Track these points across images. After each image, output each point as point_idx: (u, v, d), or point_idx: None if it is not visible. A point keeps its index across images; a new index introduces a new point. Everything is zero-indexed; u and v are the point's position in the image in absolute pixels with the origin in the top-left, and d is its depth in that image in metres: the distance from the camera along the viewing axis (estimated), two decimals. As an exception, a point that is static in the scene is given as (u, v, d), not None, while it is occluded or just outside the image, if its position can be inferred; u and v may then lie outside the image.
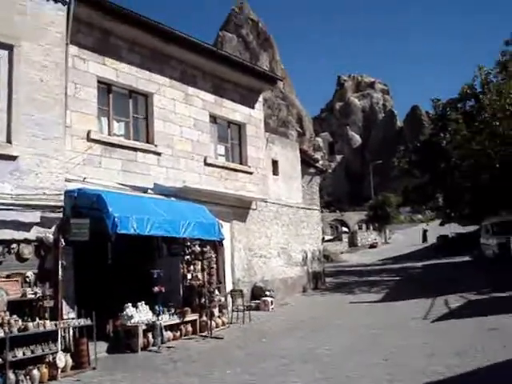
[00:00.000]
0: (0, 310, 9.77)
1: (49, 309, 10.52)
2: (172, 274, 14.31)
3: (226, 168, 17.93)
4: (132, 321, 12.28)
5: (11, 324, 9.56)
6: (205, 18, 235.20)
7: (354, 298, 20.38)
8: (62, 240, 10.91)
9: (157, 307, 12.96)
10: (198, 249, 14.58)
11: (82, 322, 10.73)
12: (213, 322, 14.12)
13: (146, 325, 12.38)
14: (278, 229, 21.11)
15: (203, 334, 13.84)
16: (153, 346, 12.28)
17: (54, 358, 9.86)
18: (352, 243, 62.22)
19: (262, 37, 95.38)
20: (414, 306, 16.62)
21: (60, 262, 10.83)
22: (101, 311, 11.09)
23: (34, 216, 10.74)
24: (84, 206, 11.63)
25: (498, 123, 24.55)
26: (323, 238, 35.15)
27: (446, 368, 8.70)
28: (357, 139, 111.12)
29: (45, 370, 9.62)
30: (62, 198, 11.31)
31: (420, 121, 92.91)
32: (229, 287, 17.29)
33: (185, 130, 16.26)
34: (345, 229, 68.58)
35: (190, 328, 13.83)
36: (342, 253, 54.36)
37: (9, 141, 10.62)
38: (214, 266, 15.29)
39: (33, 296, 10.36)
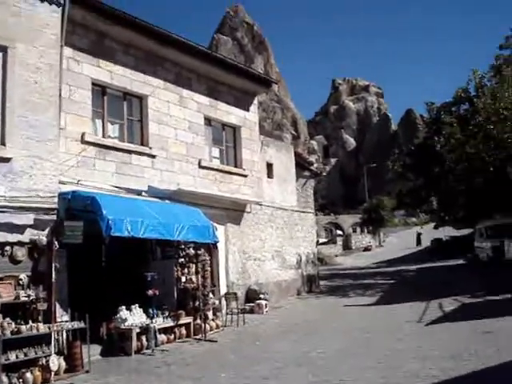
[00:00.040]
0: (-7, 312, 9.74)
1: (42, 311, 10.44)
2: (166, 277, 14.28)
3: (221, 171, 17.91)
4: (126, 324, 12.23)
5: (4, 327, 9.51)
6: (200, 20, 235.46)
7: (349, 301, 20.37)
8: (56, 242, 10.85)
9: (151, 310, 12.93)
10: (192, 251, 14.54)
11: (76, 324, 10.68)
12: (207, 325, 14.09)
13: (140, 328, 12.34)
14: (272, 232, 21.10)
15: (197, 337, 13.80)
16: (146, 349, 12.23)
17: (47, 361, 9.81)
18: (346, 246, 62.31)
19: (256, 40, 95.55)
20: (409, 309, 16.63)
21: (53, 265, 10.77)
22: (94, 314, 11.06)
23: (27, 218, 10.70)
24: (78, 208, 11.58)
25: (492, 127, 24.62)
26: (317, 241, 35.16)
27: (440, 371, 8.69)
28: (351, 142, 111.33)
29: (38, 373, 9.56)
30: (56, 200, 11.26)
31: (414, 124, 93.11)
32: (223, 290, 17.27)
33: (179, 133, 16.24)
34: (339, 232, 68.61)
35: (184, 331, 13.79)
36: (336, 256, 54.43)
37: (3, 143, 10.58)
38: (209, 268, 15.26)
39: (26, 299, 10.29)
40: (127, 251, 13.44)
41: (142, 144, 15.07)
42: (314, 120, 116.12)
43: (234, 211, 18.33)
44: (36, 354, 9.82)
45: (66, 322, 10.79)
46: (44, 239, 10.82)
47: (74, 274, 11.79)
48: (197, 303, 14.26)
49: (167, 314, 13.48)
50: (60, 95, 11.88)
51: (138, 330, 12.25)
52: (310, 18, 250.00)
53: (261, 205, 20.03)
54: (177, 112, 16.28)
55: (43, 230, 10.96)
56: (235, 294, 16.58)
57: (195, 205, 15.12)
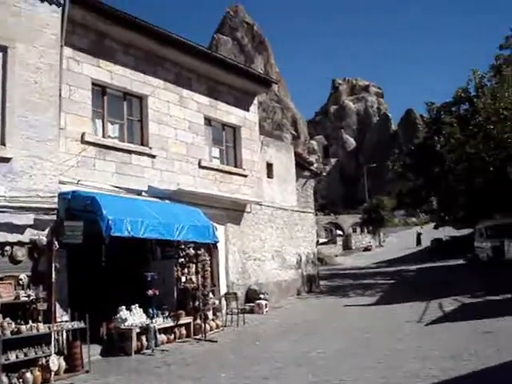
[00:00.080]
0: (-7, 312, 9.74)
1: (42, 311, 10.44)
2: (166, 277, 14.28)
3: (221, 171, 17.91)
4: (126, 324, 12.23)
5: (4, 327, 9.51)
6: (200, 20, 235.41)
7: (349, 301, 20.37)
8: (56, 242, 10.85)
9: (151, 310, 12.92)
10: (192, 251, 14.53)
11: (76, 324, 10.68)
12: (207, 325, 14.09)
13: (140, 328, 12.34)
14: (272, 232, 21.10)
15: (197, 337, 13.80)
16: (147, 349, 12.23)
17: (47, 361, 9.81)
18: (346, 246, 62.32)
19: (256, 40, 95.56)
20: (409, 309, 16.63)
21: (53, 265, 10.77)
22: (94, 314, 11.06)
23: (27, 218, 10.70)
24: (78, 208, 11.58)
25: (492, 127, 24.62)
26: (317, 241, 35.16)
27: (440, 371, 8.69)
28: (351, 142, 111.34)
29: (38, 373, 9.56)
30: (56, 200, 11.26)
31: (414, 124, 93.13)
32: (223, 290, 17.26)
33: (179, 133, 16.24)
34: (339, 232, 68.61)
35: (183, 331, 13.78)
36: (336, 256, 54.43)
37: (3, 143, 10.58)
38: (209, 268, 15.25)
39: (26, 299, 10.29)
40: (127, 251, 13.44)
41: (142, 144, 15.07)
42: (314, 120, 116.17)
43: (233, 211, 18.33)
44: (36, 353, 9.82)
45: (66, 321, 10.79)
46: (44, 239, 10.82)
47: (74, 274, 11.78)
48: (197, 303, 14.25)
49: (167, 313, 13.48)
50: (60, 95, 11.87)
51: (138, 330, 12.25)
52: (310, 17, 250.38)
53: (261, 205, 20.03)
54: (177, 112, 16.28)
55: (43, 230, 10.95)
56: (235, 293, 16.58)
57: (195, 205, 15.12)
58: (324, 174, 78.41)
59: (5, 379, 9.04)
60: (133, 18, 14.35)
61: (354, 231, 68.51)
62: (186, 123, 16.55)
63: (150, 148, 15.07)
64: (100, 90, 14.14)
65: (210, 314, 14.71)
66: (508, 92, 24.35)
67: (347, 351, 11.14)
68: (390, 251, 55.48)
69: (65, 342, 10.68)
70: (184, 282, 14.46)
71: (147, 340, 12.31)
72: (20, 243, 10.57)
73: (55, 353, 10.19)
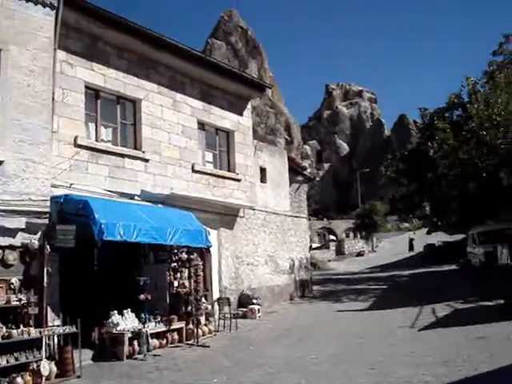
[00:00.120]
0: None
1: (33, 316, 10.37)
2: (158, 282, 14.22)
3: (214, 175, 17.88)
4: (118, 328, 12.17)
5: (-5, 331, 9.46)
6: (194, 25, 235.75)
7: (342, 307, 20.36)
8: (48, 246, 10.79)
9: (143, 315, 12.85)
10: (184, 256, 14.48)
11: (67, 329, 10.60)
12: (199, 330, 14.05)
13: (132, 332, 12.28)
14: (265, 236, 21.07)
15: (189, 342, 13.75)
16: (138, 354, 12.17)
17: (38, 366, 9.74)
18: (339, 251, 62.31)
19: (250, 44, 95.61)
20: (401, 315, 16.63)
21: (45, 269, 10.70)
22: (86, 318, 11.00)
23: (19, 222, 10.63)
24: (70, 212, 11.53)
25: (485, 133, 24.67)
26: (311, 246, 35.15)
27: (433, 377, 8.69)
28: (344, 147, 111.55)
29: (29, 378, 9.50)
30: (48, 203, 11.19)
31: (407, 130, 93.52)
32: (216, 295, 17.22)
33: (173, 137, 16.21)
34: (332, 237, 68.62)
35: (176, 336, 13.72)
36: (329, 261, 54.43)
37: (-5, 146, 10.53)
38: (201, 273, 15.19)
39: (17, 303, 10.22)
40: (120, 255, 13.39)
41: (135, 148, 15.04)
42: (308, 125, 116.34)
43: (227, 216, 18.29)
44: (27, 358, 9.77)
45: (58, 326, 10.70)
46: (36, 243, 10.75)
47: (66, 278, 11.73)
48: (189, 308, 14.20)
49: (159, 318, 13.42)
50: (53, 98, 11.83)
51: (129, 335, 12.18)
52: (307, 18, 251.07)
53: (254, 209, 20.01)
54: (170, 116, 16.25)
55: (35, 234, 10.89)
56: (228, 298, 16.53)
57: (188, 209, 15.09)
58: (317, 178, 78.65)
59: (-5, 384, 8.98)
60: (126, 21, 14.34)
61: (347, 236, 68.57)
62: (179, 127, 16.53)
63: (143, 152, 15.03)
64: (93, 93, 14.10)
65: (202, 319, 14.67)
66: (501, 98, 24.42)
67: (340, 357, 11.12)
68: (383, 256, 55.52)
69: (56, 346, 10.61)
70: (176, 287, 14.39)
71: (139, 345, 12.24)
72: (11, 247, 10.49)
73: (46, 357, 10.13)
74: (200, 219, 14.62)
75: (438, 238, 48.62)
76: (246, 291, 18.97)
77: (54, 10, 11.82)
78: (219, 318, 15.93)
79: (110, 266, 13.62)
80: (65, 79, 12.91)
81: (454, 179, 29.64)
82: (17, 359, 9.57)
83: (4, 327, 9.72)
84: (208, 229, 14.73)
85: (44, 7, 11.63)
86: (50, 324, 10.62)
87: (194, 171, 16.87)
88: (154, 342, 12.84)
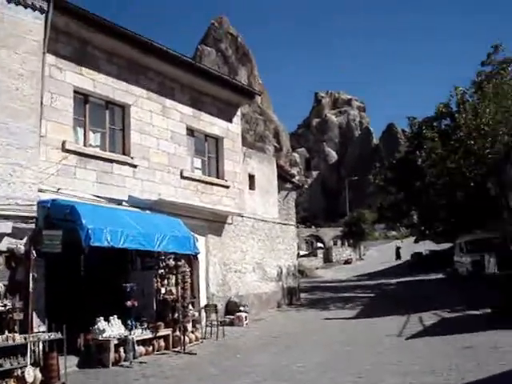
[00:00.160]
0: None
1: (18, 322, 10.27)
2: (145, 288, 14.14)
3: (203, 181, 17.84)
4: (104, 335, 12.08)
5: (-21, 337, 9.34)
6: (184, 31, 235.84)
7: (329, 314, 20.33)
8: (34, 251, 10.68)
9: (129, 321, 12.76)
10: (172, 263, 14.40)
11: (53, 335, 10.50)
12: (186, 338, 13.97)
13: (118, 339, 12.18)
14: (253, 243, 21.03)
15: (176, 349, 13.67)
16: (124, 360, 12.07)
17: (22, 373, 9.63)
18: (327, 259, 62.34)
19: (240, 51, 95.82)
20: (389, 323, 16.63)
21: (31, 274, 10.59)
22: (72, 325, 10.90)
23: (5, 226, 10.53)
24: (57, 217, 11.44)
25: (473, 142, 24.83)
26: (298, 254, 35.18)
27: (420, 386, 8.67)
28: (333, 155, 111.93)
29: (13, 385, 9.40)
30: (35, 208, 11.10)
31: (396, 138, 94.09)
32: (203, 302, 17.14)
33: (161, 143, 16.15)
34: (320, 244, 68.73)
35: (162, 343, 13.64)
36: (317, 268, 54.43)
37: (-19, 149, 10.43)
38: (189, 280, 15.12)
39: (2, 308, 10.10)
40: (107, 261, 13.29)
41: (123, 153, 14.97)
42: (297, 132, 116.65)
43: (215, 222, 18.24)
44: (11, 365, 9.66)
45: (43, 332, 10.59)
46: (22, 248, 10.64)
47: (52, 284, 11.63)
48: (176, 315, 14.13)
49: (146, 325, 13.33)
50: (41, 102, 11.76)
51: (116, 342, 12.09)
52: (297, 26, 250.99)
53: (242, 216, 19.97)
54: (159, 122, 16.20)
55: (21, 239, 10.78)
56: (215, 305, 16.46)
57: (176, 215, 15.02)
58: (306, 186, 78.81)
59: (-22, 391, 8.87)
60: (115, 25, 14.29)
61: (335, 244, 68.64)
62: (168, 133, 16.48)
63: (132, 157, 14.97)
64: (82, 98, 14.03)
65: (189, 326, 14.60)
66: (489, 108, 24.60)
67: (327, 365, 11.08)
68: (371, 264, 55.66)
69: (41, 352, 10.48)
70: (163, 294, 14.30)
71: (125, 352, 12.15)
72: (-3, 252, 10.40)
73: (31, 364, 10.01)
74: (188, 226, 14.57)
75: (426, 246, 48.78)
76: (234, 298, 18.91)
77: (44, 14, 11.77)
78: (206, 326, 15.85)
79: (97, 272, 13.53)
80: (54, 83, 12.83)
81: (441, 188, 29.77)
82: (1, 366, 9.46)
83: (-12, 333, 9.62)
84: (196, 235, 14.68)
85: (34, 11, 11.58)
86: (35, 330, 10.52)
87: (182, 177, 16.82)
88: (141, 349, 12.75)
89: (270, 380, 9.98)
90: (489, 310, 16.18)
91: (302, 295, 26.93)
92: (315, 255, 61.49)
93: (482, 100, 26.28)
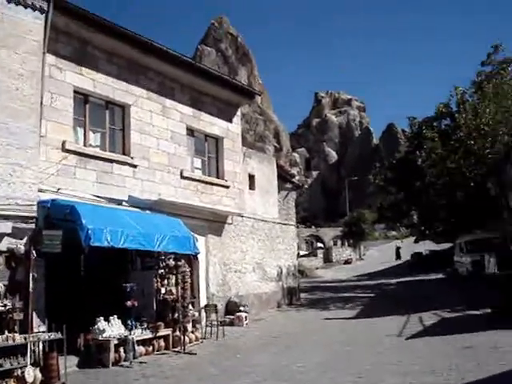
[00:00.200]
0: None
1: (18, 322, 10.26)
2: (145, 288, 14.13)
3: (203, 181, 17.83)
4: (104, 335, 12.07)
5: (-21, 337, 9.34)
6: (184, 31, 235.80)
7: (329, 314, 20.32)
8: (34, 251, 10.68)
9: (129, 321, 12.75)
10: (172, 263, 14.40)
11: (53, 335, 10.50)
12: (186, 338, 13.96)
13: (118, 339, 12.18)
14: (253, 243, 21.02)
15: (176, 349, 13.66)
16: (124, 360, 12.07)
17: (22, 373, 9.63)
18: (327, 259, 62.34)
19: (240, 51, 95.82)
20: (389, 323, 16.63)
21: (31, 274, 10.59)
22: (72, 324, 10.90)
23: (5, 226, 10.52)
24: (57, 217, 11.44)
25: (472, 142, 24.83)
26: (298, 254, 35.17)
27: (420, 386, 8.67)
28: (333, 155, 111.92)
29: (13, 385, 9.39)
30: (35, 208, 11.10)
31: (396, 138, 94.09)
32: (203, 302, 17.14)
33: (161, 143, 16.15)
34: (320, 244, 68.71)
35: (162, 343, 13.63)
36: (317, 268, 54.42)
37: (-19, 149, 10.43)
38: (189, 280, 15.12)
39: (2, 308, 10.10)
40: (107, 261, 13.29)
41: (123, 153, 14.96)
42: (297, 132, 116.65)
43: (215, 222, 18.24)
44: (11, 365, 9.65)
45: (43, 332, 10.59)
46: (22, 248, 10.64)
47: (52, 284, 11.63)
48: (176, 315, 14.12)
49: (146, 325, 13.32)
50: (41, 102, 11.76)
51: (116, 342, 12.09)
52: (298, 25, 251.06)
53: (242, 216, 19.97)
54: (159, 122, 16.20)
55: (21, 239, 10.78)
56: (215, 305, 16.45)
57: (176, 215, 15.02)
58: (306, 186, 78.81)
59: (-22, 391, 8.87)
60: (115, 25, 14.29)
61: (335, 244, 68.62)
62: (168, 133, 16.47)
63: (132, 157, 14.97)
64: (82, 98, 14.02)
65: (189, 326, 14.60)
66: (489, 108, 24.60)
67: (327, 365, 11.08)
68: (371, 264, 55.65)
69: (41, 352, 10.48)
70: (163, 294, 14.30)
71: (125, 352, 12.15)
72: (-3, 252, 10.40)
73: (31, 364, 10.01)
74: (188, 226, 14.56)
75: (426, 246, 48.77)
76: (234, 298, 18.90)
77: (44, 14, 11.77)
78: (206, 326, 15.84)
79: (97, 272, 13.52)
80: (53, 83, 12.83)
81: (441, 188, 29.76)
82: (1, 366, 9.46)
83: (-12, 333, 9.62)
84: (196, 235, 14.68)
85: (34, 11, 11.58)
86: (35, 330, 10.52)
87: (182, 177, 16.82)
88: (141, 349, 12.75)
89: (270, 380, 9.98)
90: (489, 310, 16.18)
91: (302, 295, 26.93)
92: (315, 255, 61.48)
93: (481, 100, 26.28)
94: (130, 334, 12.41)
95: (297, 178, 34.22)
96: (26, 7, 11.42)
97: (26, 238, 10.84)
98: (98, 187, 13.74)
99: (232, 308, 18.57)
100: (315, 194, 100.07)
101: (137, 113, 15.40)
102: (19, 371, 9.64)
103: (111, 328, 12.34)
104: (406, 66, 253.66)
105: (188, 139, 17.57)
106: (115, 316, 12.65)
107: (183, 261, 14.70)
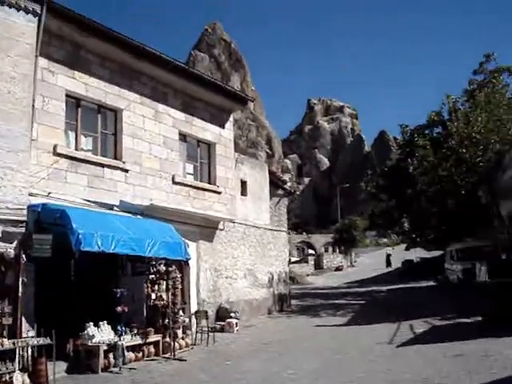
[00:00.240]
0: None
1: (7, 326, 10.18)
2: (136, 294, 14.07)
3: (194, 187, 17.79)
4: (93, 340, 11.98)
5: (-33, 342, 9.25)
6: (177, 37, 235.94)
7: (320, 321, 20.27)
8: (24, 256, 10.61)
9: (119, 327, 12.65)
10: (163, 268, 14.32)
11: (42, 340, 10.41)
12: (176, 344, 13.88)
13: (108, 345, 12.09)
14: (244, 250, 20.97)
15: (166, 355, 13.58)
16: (114, 366, 11.98)
17: (10, 378, 9.55)
18: (318, 266, 62.27)
19: (233, 57, 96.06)
20: (380, 331, 16.59)
21: (21, 279, 10.52)
22: (61, 330, 10.80)
23: (-5, 230, 10.46)
24: (47, 221, 11.37)
25: (464, 150, 24.91)
26: (289, 260, 35.10)
27: (411, 394, 8.64)
28: (325, 162, 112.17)
29: (1, 390, 9.30)
30: (25, 212, 11.04)
31: (387, 146, 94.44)
32: (193, 308, 17.07)
33: (154, 148, 16.11)
34: (311, 251, 68.72)
35: (152, 349, 13.55)
36: (308, 275, 54.34)
37: (-28, 152, 10.36)
38: (179, 286, 15.06)
39: (-9, 313, 10.04)
40: (97, 266, 13.20)
41: (115, 158, 14.91)
42: (289, 139, 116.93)
43: (206, 228, 18.18)
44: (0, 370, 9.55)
45: (32, 337, 10.50)
46: (12, 252, 10.55)
47: (42, 289, 11.55)
48: (166, 321, 14.04)
49: (136, 331, 13.24)
50: (33, 106, 11.71)
51: (105, 348, 12.00)
52: (292, 30, 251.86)
53: (234, 222, 19.92)
54: (152, 126, 16.16)
55: (11, 243, 10.70)
56: (206, 312, 16.39)
57: (168, 221, 14.95)
58: (297, 193, 78.77)
59: (-35, 396, 8.76)
60: (108, 29, 14.27)
61: (326, 251, 68.66)
62: (160, 138, 16.43)
63: (124, 162, 14.92)
64: (74, 101, 13.97)
65: (179, 332, 14.50)
66: (481, 117, 24.69)
67: (318, 372, 11.03)
68: (362, 271, 55.66)
69: (30, 358, 10.38)
70: (154, 299, 14.22)
71: (115, 358, 12.06)
72: (-14, 256, 10.31)
73: (19, 369, 9.92)
74: (179, 231, 14.50)
75: (417, 254, 48.84)
76: (224, 304, 18.84)
77: (37, 17, 11.75)
78: (196, 332, 15.77)
79: (87, 277, 13.43)
80: (46, 87, 12.78)
81: (433, 196, 29.79)
82: (-11, 371, 9.38)
83: (-24, 338, 9.52)
84: (187, 241, 14.61)
85: (26, 13, 11.55)
86: (24, 335, 10.45)
87: (174, 183, 16.77)
88: (130, 354, 12.66)
89: (260, 387, 9.93)
90: (480, 318, 16.19)
91: (293, 302, 26.87)
92: (306, 262, 61.40)
93: (473, 108, 26.39)
94: (120, 340, 12.32)
95: (289, 184, 34.16)
96: (18, 10, 11.40)
97: (15, 242, 10.77)
98: (89, 191, 13.68)
99: (223, 314, 18.50)
100: (307, 201, 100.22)
101: (129, 117, 15.35)
102: (7, 376, 9.57)
103: (101, 333, 12.25)
104: (406, 66, 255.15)
105: (180, 144, 17.53)
106: (105, 321, 12.56)
107: (174, 266, 14.63)
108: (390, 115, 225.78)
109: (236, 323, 18.03)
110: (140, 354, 13.05)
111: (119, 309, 12.65)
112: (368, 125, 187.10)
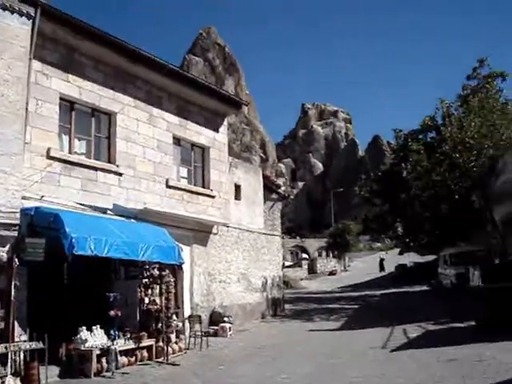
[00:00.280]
0: None
1: (-1, 331, 10.14)
2: (129, 298, 14.01)
3: (188, 191, 17.76)
4: (86, 345, 11.92)
5: (-42, 346, 9.19)
6: (172, 41, 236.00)
7: (313, 326, 20.26)
8: (16, 259, 10.55)
9: (112, 331, 12.60)
10: (156, 272, 14.28)
11: (34, 345, 10.36)
12: (169, 348, 13.83)
13: (101, 349, 12.02)
14: (238, 254, 20.94)
15: (159, 359, 13.53)
16: (107, 371, 11.91)
17: (3, 382, 9.51)
18: (312, 270, 62.33)
19: (228, 61, 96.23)
20: (373, 335, 16.58)
21: (13, 283, 10.46)
22: (54, 334, 10.75)
23: (-13, 234, 10.41)
24: (41, 225, 11.32)
25: (458, 155, 24.99)
26: (283, 264, 35.10)
27: (405, 399, 8.62)
28: (319, 167, 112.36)
29: (-8, 395, 9.25)
30: (18, 216, 10.98)
31: (381, 150, 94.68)
32: (187, 312, 17.01)
33: (147, 151, 16.07)
34: (305, 255, 68.76)
35: (145, 353, 13.49)
36: (301, 279, 54.38)
37: (-35, 155, 10.31)
38: (173, 290, 15.02)
39: (-17, 317, 9.98)
40: (90, 270, 13.13)
41: (109, 161, 14.86)
42: (283, 143, 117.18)
43: (200, 232, 18.15)
44: (-9, 374, 9.51)
45: (24, 341, 10.45)
46: (4, 256, 10.51)
47: (35, 293, 11.49)
48: (159, 325, 13.99)
49: (129, 335, 13.18)
50: (27, 109, 11.67)
51: (98, 352, 11.93)
52: (287, 32, 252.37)
53: (228, 226, 19.90)
54: (146, 130, 16.13)
55: (4, 247, 10.65)
56: (199, 316, 16.34)
57: (161, 225, 14.91)
58: (291, 197, 78.85)
59: (-43, 401, 8.71)
60: (103, 33, 14.23)
61: (320, 255, 68.77)
62: (154, 142, 16.40)
63: (117, 166, 14.87)
64: (68, 105, 13.92)
65: (172, 337, 14.46)
66: (474, 122, 24.79)
67: (312, 377, 11.01)
68: (355, 276, 55.72)
69: (22, 362, 10.32)
70: (147, 304, 14.19)
71: (108, 362, 12.00)
72: (-21, 259, 10.25)
73: (11, 374, 9.87)
74: (173, 235, 14.46)
75: (410, 258, 48.98)
76: (218, 309, 18.80)
77: (31, 20, 11.72)
78: (190, 336, 15.73)
79: (80, 281, 13.36)
80: (39, 90, 12.73)
81: (426, 200, 29.88)
82: (-19, 375, 9.32)
83: (-32, 342, 9.47)
84: (181, 245, 14.56)
85: (21, 16, 11.51)
86: (16, 339, 10.38)
87: (168, 186, 16.74)
88: (123, 359, 12.60)
89: (253, 392, 9.90)
90: (473, 323, 16.20)
91: (287, 306, 26.86)
92: (300, 266, 61.45)
93: (467, 114, 26.50)
94: (113, 344, 12.26)
95: (282, 188, 34.23)
96: (12, 12, 11.36)
97: (8, 246, 10.71)
98: (82, 195, 13.62)
99: (216, 319, 18.45)
100: (301, 205, 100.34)
101: (123, 121, 15.31)
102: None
103: (94, 338, 12.19)
104: (406, 66, 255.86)
105: (174, 148, 17.51)
106: (98, 326, 12.49)
107: (168, 271, 14.58)
108: (386, 118, 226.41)
109: (229, 328, 17.99)
110: (133, 359, 13.00)
111: (112, 313, 12.61)
112: (362, 129, 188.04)
